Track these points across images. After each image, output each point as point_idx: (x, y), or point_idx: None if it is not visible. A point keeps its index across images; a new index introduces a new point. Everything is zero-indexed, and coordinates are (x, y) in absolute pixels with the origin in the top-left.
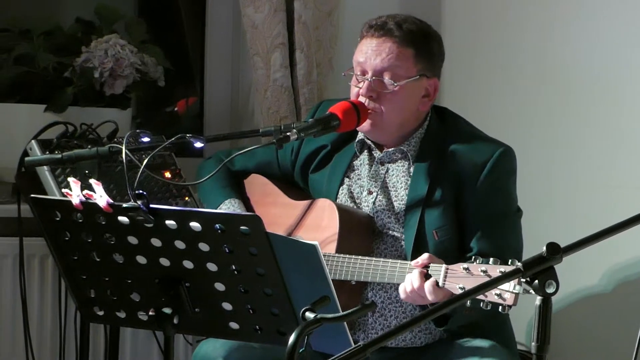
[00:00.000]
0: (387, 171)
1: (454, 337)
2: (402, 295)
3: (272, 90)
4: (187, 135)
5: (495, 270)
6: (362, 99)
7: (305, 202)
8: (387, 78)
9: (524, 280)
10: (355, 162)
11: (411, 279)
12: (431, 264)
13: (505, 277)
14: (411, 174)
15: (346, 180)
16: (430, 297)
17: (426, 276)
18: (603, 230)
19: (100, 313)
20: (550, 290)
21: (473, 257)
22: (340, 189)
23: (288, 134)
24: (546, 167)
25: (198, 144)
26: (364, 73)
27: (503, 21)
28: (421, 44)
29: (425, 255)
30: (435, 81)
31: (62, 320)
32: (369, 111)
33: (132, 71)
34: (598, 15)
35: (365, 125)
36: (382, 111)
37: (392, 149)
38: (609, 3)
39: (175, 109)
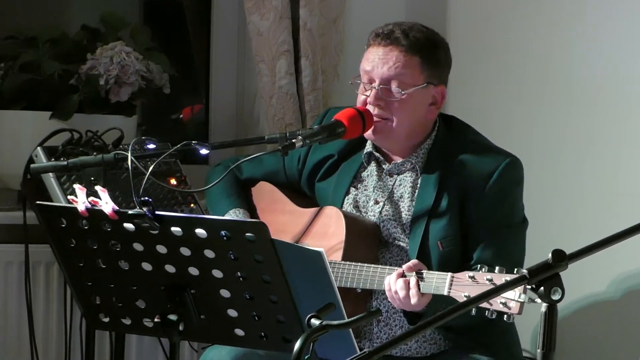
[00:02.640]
0: (395, 182)
1: (459, 349)
2: (389, 298)
3: (277, 97)
4: (193, 142)
5: (501, 278)
6: (369, 107)
7: (312, 210)
8: (394, 86)
9: (529, 287)
10: (362, 173)
11: (389, 280)
12: (424, 271)
13: (510, 284)
14: (418, 185)
15: (352, 189)
16: (413, 301)
17: (404, 275)
18: (609, 237)
19: (106, 320)
20: (555, 297)
21: (479, 265)
22: (346, 198)
23: (293, 141)
24: (552, 174)
25: (203, 151)
26: (371, 81)
27: (508, 27)
28: (428, 52)
29: (415, 261)
30: (442, 89)
31: (67, 327)
32: (377, 120)
33: (138, 78)
34: (604, 23)
35: (373, 133)
36: (391, 119)
37: (401, 160)
38: (615, 11)
39: (181, 116)
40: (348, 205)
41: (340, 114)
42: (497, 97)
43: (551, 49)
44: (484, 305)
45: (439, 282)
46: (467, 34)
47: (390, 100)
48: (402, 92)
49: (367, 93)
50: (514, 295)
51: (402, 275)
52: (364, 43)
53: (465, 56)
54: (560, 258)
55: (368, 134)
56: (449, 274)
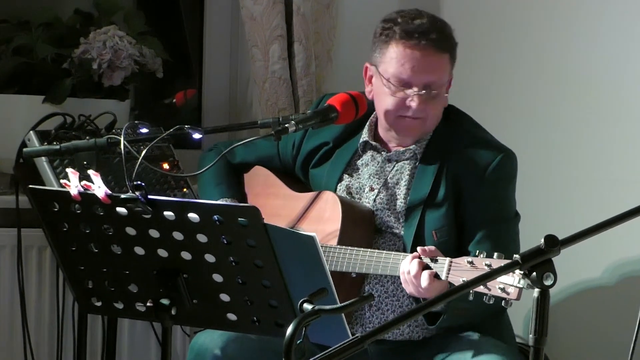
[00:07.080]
0: (392, 169)
1: (451, 332)
2: (402, 281)
3: (270, 82)
4: (186, 126)
5: (500, 264)
6: (411, 112)
7: (308, 195)
8: (436, 89)
9: (521, 272)
10: (357, 161)
11: (404, 264)
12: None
13: (503, 269)
14: (415, 174)
15: (345, 177)
16: (424, 284)
17: (426, 267)
18: (601, 222)
19: (98, 304)
20: (548, 282)
21: (477, 251)
22: (339, 185)
23: (286, 125)
24: (545, 161)
25: (196, 136)
26: (408, 86)
27: (501, 21)
28: (452, 48)
29: (432, 247)
30: (451, 76)
31: (59, 311)
32: (415, 118)
33: (131, 63)
34: (596, 15)
35: (406, 132)
36: (426, 118)
37: (403, 148)
38: (608, 3)
39: (174, 100)
40: (341, 192)
41: (333, 99)
42: (490, 89)
43: (544, 42)
44: (483, 290)
45: (438, 266)
46: (458, 27)
47: (433, 100)
48: (445, 94)
49: (406, 94)
50: (512, 281)
51: (418, 258)
52: (357, 28)
53: (457, 49)
54: (553, 243)
55: (400, 128)
56: (448, 258)
